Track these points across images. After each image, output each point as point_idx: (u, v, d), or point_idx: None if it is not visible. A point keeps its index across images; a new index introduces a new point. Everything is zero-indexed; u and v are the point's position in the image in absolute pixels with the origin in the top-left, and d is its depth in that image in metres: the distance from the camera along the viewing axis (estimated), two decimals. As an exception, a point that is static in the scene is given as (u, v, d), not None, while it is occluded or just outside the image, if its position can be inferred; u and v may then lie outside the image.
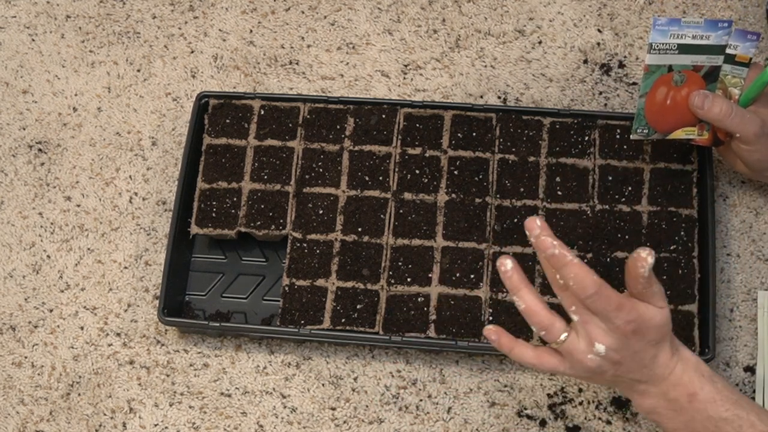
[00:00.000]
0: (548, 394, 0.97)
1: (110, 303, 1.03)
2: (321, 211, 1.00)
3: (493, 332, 0.81)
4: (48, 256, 1.06)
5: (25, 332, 1.03)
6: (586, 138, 1.01)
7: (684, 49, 0.88)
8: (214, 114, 1.04)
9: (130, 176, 1.09)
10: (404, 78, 1.11)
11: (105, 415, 0.99)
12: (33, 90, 1.14)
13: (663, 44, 0.88)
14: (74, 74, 1.14)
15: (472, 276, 0.97)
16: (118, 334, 1.02)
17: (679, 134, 0.93)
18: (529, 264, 0.97)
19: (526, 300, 0.79)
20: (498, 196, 1.00)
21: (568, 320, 0.79)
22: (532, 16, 1.13)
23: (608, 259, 0.97)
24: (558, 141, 1.01)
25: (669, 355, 0.79)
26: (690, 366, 0.79)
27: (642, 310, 0.77)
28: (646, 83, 0.90)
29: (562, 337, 0.79)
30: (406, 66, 1.12)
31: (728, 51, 0.89)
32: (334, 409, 0.98)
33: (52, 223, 1.07)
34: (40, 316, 1.03)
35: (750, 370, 0.97)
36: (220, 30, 1.15)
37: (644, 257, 0.74)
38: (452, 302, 0.96)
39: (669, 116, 0.92)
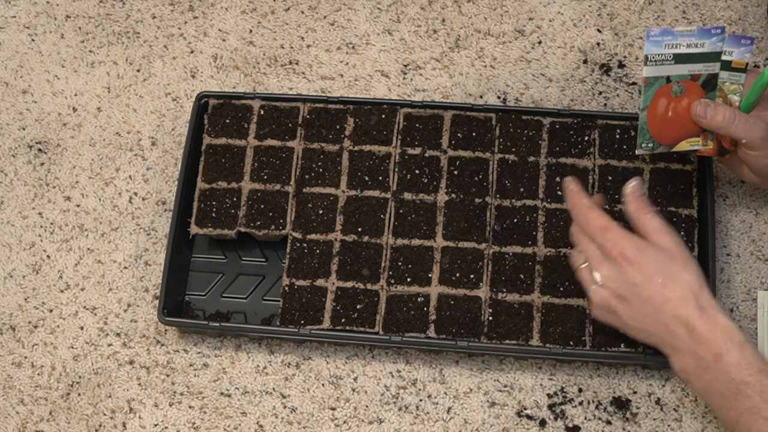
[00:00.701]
0: (548, 394, 0.97)
1: (110, 303, 1.03)
2: (321, 211, 1.00)
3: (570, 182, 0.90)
4: (48, 256, 1.06)
5: (25, 332, 1.03)
6: (586, 138, 1.01)
7: (680, 58, 0.88)
8: (214, 114, 1.04)
9: (129, 176, 1.09)
10: (404, 78, 1.11)
11: (105, 415, 0.99)
12: (33, 90, 1.14)
13: (659, 55, 0.87)
14: (74, 74, 1.14)
15: (472, 276, 0.97)
16: (118, 334, 1.02)
17: (684, 146, 0.92)
18: (528, 264, 0.97)
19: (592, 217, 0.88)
20: (498, 196, 1.00)
21: None
22: (531, 16, 1.13)
23: (608, 259, 0.97)
24: (558, 141, 1.01)
25: (689, 307, 0.81)
26: (719, 328, 0.80)
27: (633, 239, 0.85)
28: (646, 96, 0.89)
29: (583, 265, 0.88)
30: (405, 66, 1.12)
31: (724, 57, 0.89)
32: (334, 409, 0.98)
33: (52, 223, 1.07)
34: (40, 316, 1.03)
35: (750, 370, 0.97)
36: (219, 30, 1.15)
37: (632, 180, 0.88)
38: (452, 302, 0.96)
39: (672, 128, 0.91)
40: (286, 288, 0.98)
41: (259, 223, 1.00)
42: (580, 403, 0.97)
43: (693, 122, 0.90)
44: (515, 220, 0.99)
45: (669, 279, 0.83)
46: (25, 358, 1.02)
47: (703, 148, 0.92)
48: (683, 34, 0.87)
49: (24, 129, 1.12)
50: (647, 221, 0.86)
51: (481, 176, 1.00)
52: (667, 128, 0.91)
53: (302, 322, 0.96)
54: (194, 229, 1.01)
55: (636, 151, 0.92)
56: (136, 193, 1.08)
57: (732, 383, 0.79)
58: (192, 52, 1.14)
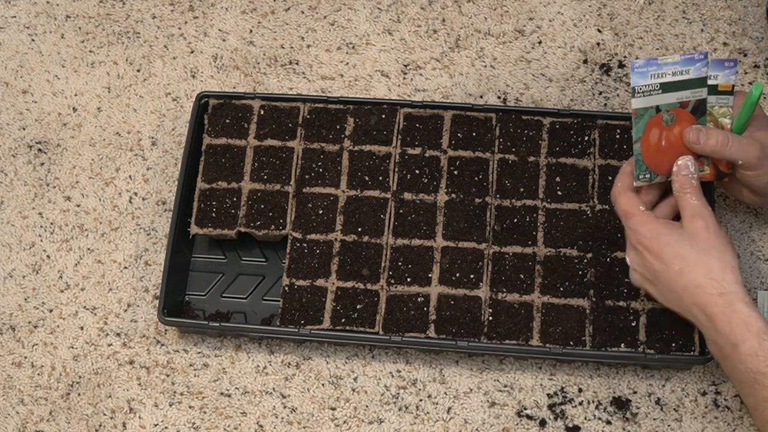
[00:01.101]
0: (548, 394, 0.97)
1: (110, 303, 1.03)
2: (321, 211, 1.00)
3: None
4: (48, 256, 1.06)
5: (25, 332, 1.03)
6: (586, 138, 1.01)
7: (667, 87, 0.87)
8: (214, 114, 1.04)
9: (130, 176, 1.09)
10: (404, 78, 1.11)
11: (105, 415, 0.99)
12: (33, 90, 1.14)
13: (646, 86, 0.87)
14: (74, 74, 1.14)
15: (472, 276, 0.97)
16: (118, 334, 1.02)
17: None
18: (528, 264, 0.97)
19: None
20: (498, 196, 1.00)
21: None
22: (532, 16, 1.13)
23: (608, 259, 0.97)
24: (558, 141, 1.01)
25: (707, 294, 0.82)
26: (737, 317, 0.81)
27: (652, 226, 0.86)
28: (638, 127, 0.88)
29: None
30: (406, 66, 1.12)
31: (710, 82, 0.88)
32: (334, 409, 0.98)
33: (52, 223, 1.07)
34: (40, 316, 1.03)
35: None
36: (220, 30, 1.15)
37: (682, 158, 0.88)
38: (452, 302, 0.96)
39: (667, 157, 0.89)
40: (286, 288, 0.98)
41: (259, 223, 1.00)
42: (580, 403, 0.97)
43: (687, 149, 0.89)
44: (515, 220, 0.99)
45: (686, 266, 0.84)
46: (25, 358, 1.02)
47: (700, 174, 0.91)
48: (667, 63, 0.86)
49: (24, 129, 1.12)
50: (685, 202, 0.87)
51: (481, 176, 1.00)
52: (662, 158, 0.89)
53: (302, 322, 0.96)
54: (194, 229, 1.01)
55: (634, 184, 0.91)
56: (136, 193, 1.08)
57: (749, 373, 0.80)
58: (192, 52, 1.14)
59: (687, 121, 0.89)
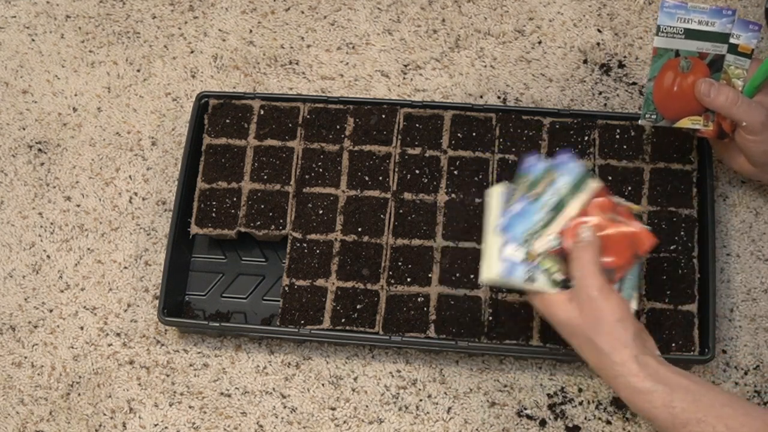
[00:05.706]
0: (548, 394, 0.97)
1: (110, 303, 1.03)
2: (321, 211, 1.00)
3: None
4: (48, 256, 1.06)
5: (25, 332, 1.03)
6: (586, 138, 1.01)
7: (690, 34, 0.89)
8: (214, 114, 1.04)
9: (130, 176, 1.09)
10: (404, 78, 1.11)
11: (105, 415, 0.99)
12: (33, 90, 1.14)
13: (670, 27, 0.89)
14: (74, 74, 1.14)
15: (472, 276, 0.97)
16: (118, 334, 1.02)
17: (686, 123, 0.93)
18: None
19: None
20: (498, 196, 1.00)
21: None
22: (531, 16, 1.13)
23: (608, 259, 0.97)
24: (558, 141, 1.01)
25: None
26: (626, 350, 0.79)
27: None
28: (655, 66, 0.91)
29: None
30: (405, 66, 1.12)
31: (731, 40, 0.90)
32: (334, 409, 0.98)
33: (52, 223, 1.07)
34: (40, 316, 1.03)
35: (750, 370, 0.97)
36: (220, 30, 1.15)
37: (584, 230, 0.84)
38: (452, 302, 0.96)
39: (676, 103, 0.92)
40: (286, 288, 0.98)
41: (259, 223, 1.00)
42: (580, 403, 0.97)
43: (696, 100, 0.91)
44: (515, 220, 0.99)
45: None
46: (25, 358, 1.02)
47: (703, 128, 0.93)
48: (696, 10, 0.89)
49: (24, 129, 1.12)
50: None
51: (481, 176, 1.00)
52: (671, 102, 0.92)
53: (302, 322, 0.96)
54: (194, 229, 1.01)
55: (639, 121, 0.94)
56: (136, 193, 1.08)
57: (632, 391, 0.79)
58: (192, 52, 1.14)
59: (702, 73, 0.91)
